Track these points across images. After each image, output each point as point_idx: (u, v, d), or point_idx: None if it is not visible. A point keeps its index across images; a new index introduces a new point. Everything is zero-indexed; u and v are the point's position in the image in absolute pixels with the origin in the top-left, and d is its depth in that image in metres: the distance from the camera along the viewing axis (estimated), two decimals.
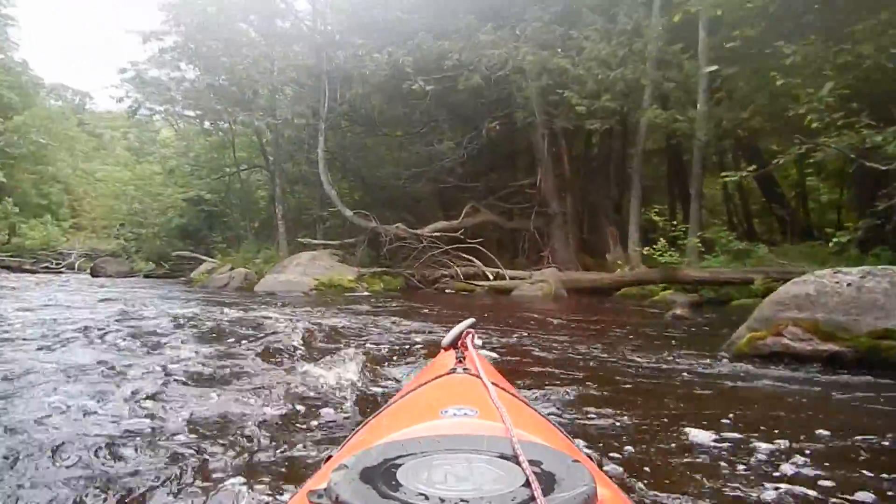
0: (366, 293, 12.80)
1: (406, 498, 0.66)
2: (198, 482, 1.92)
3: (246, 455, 2.17)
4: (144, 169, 27.50)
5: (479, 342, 1.82)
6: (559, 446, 0.88)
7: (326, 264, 13.90)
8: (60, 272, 30.37)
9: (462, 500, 0.65)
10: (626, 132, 17.26)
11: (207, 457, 2.13)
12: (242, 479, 1.91)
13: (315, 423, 2.62)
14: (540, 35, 14.72)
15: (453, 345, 1.69)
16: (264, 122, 16.10)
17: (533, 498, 0.65)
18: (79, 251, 34.13)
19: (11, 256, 32.48)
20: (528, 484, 0.68)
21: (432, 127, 17.50)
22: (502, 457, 0.76)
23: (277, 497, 1.76)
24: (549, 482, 0.69)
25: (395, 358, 4.31)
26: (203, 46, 15.88)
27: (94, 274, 23.60)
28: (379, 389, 3.29)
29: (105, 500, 1.79)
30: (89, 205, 37.97)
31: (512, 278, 14.23)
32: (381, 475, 0.71)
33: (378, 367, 3.85)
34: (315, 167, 16.83)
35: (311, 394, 3.11)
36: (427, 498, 0.66)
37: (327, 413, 2.75)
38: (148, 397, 2.89)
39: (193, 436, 2.38)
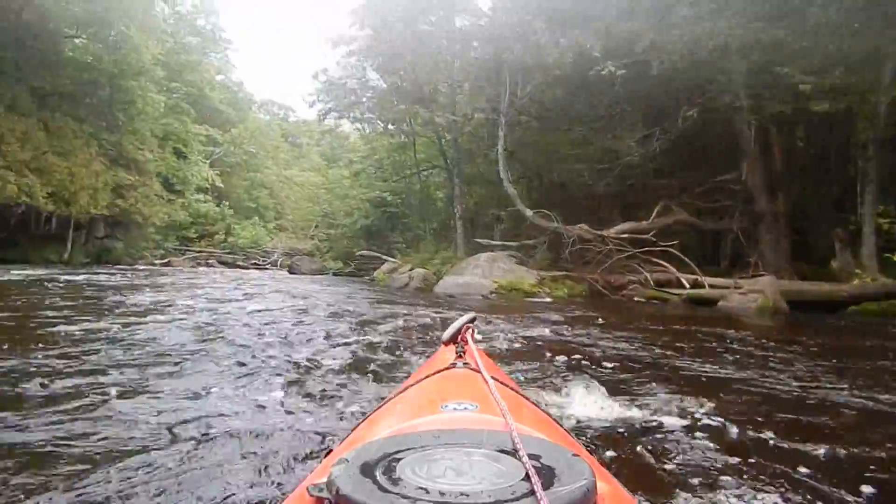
0: (548, 299, 11.78)
1: (406, 492, 0.65)
2: None
3: None
4: (335, 173, 29.12)
5: (478, 337, 1.76)
6: (559, 441, 0.87)
7: (506, 266, 13.12)
8: (265, 268, 33.56)
9: (462, 494, 0.64)
10: (851, 116, 14.30)
11: None
12: None
13: None
14: (749, 5, 12.61)
15: (453, 339, 1.65)
16: (444, 119, 15.75)
17: (532, 492, 0.64)
18: (281, 250, 37.47)
19: (227, 253, 36.54)
20: (527, 478, 0.67)
21: (619, 119, 15.94)
22: (502, 451, 0.76)
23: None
24: (548, 476, 0.69)
25: (626, 394, 3.25)
26: (386, 47, 15.98)
27: (290, 271, 25.44)
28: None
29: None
30: (290, 208, 41.53)
31: (712, 286, 12.31)
32: (382, 469, 0.70)
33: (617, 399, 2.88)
34: (493, 166, 16.19)
35: None
36: (427, 492, 0.65)
37: None
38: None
39: None
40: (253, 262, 35.97)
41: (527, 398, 1.29)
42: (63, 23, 25.62)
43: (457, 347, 1.56)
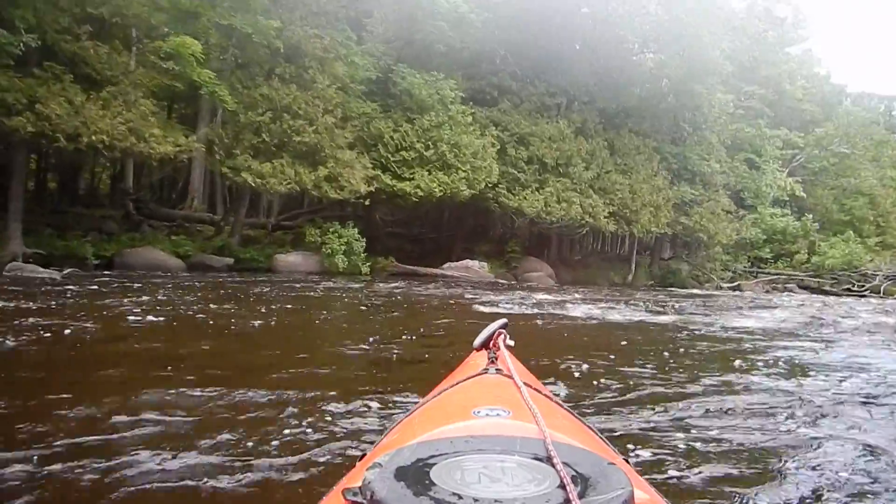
0: None
1: (440, 497, 0.61)
2: None
3: None
4: None
5: (510, 342, 1.60)
6: (594, 448, 0.83)
7: None
8: (863, 295, 25.05)
9: (496, 501, 0.60)
10: None
11: None
12: None
13: None
14: None
15: (485, 345, 1.53)
16: None
17: (568, 500, 0.59)
18: (884, 272, 27.14)
19: (811, 276, 28.59)
20: (562, 486, 0.62)
21: None
22: (536, 458, 0.71)
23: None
24: (584, 485, 0.64)
25: None
26: None
27: None
28: None
29: None
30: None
31: None
32: (415, 474, 0.66)
33: None
34: None
35: None
36: (460, 497, 0.61)
37: None
38: None
39: None
40: (845, 287, 27.13)
41: (561, 405, 1.20)
42: (633, 40, 23.65)
43: (489, 353, 1.44)
